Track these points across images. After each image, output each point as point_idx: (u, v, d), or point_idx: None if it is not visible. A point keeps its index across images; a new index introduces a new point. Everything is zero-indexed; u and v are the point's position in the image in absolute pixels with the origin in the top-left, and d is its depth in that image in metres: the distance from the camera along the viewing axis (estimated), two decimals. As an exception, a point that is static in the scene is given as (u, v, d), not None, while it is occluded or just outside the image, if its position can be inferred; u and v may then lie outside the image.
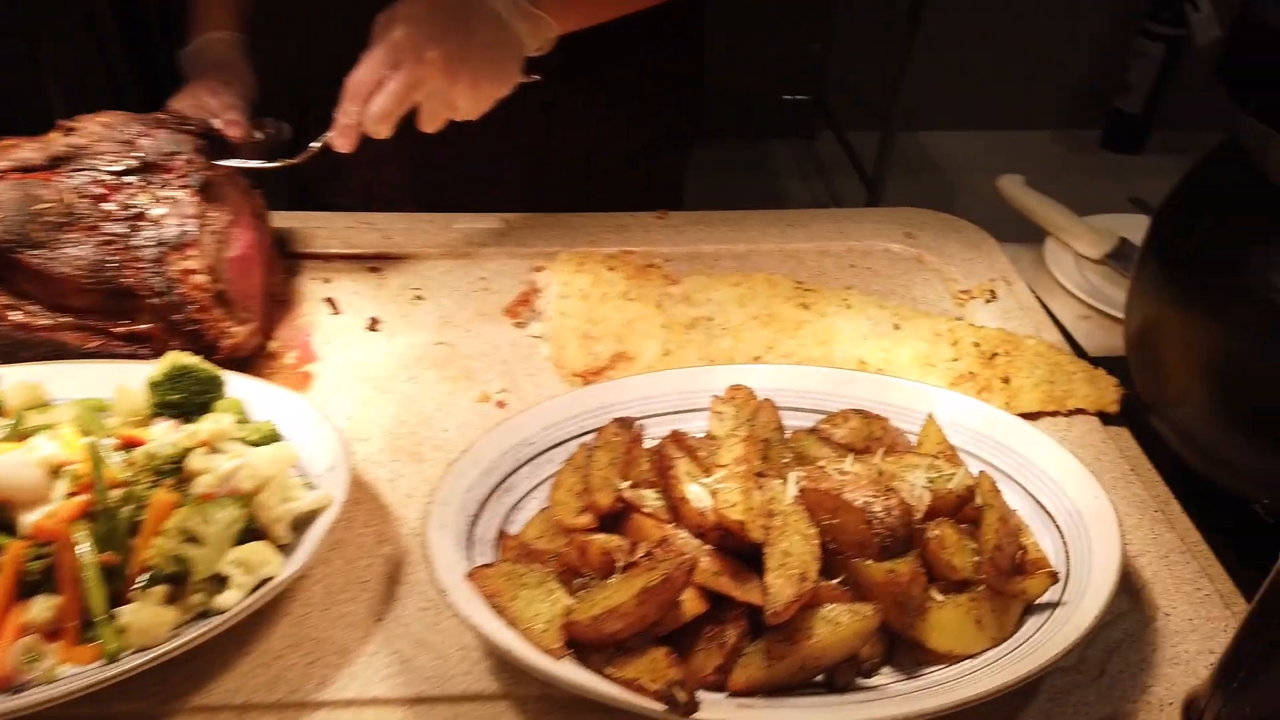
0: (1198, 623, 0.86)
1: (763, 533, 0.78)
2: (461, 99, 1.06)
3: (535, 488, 0.92)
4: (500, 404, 1.08)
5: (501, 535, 0.85)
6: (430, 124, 1.08)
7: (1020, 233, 1.51)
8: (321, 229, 1.33)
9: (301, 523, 0.85)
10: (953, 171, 4.08)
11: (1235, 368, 0.93)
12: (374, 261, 1.29)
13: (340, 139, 1.07)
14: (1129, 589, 0.89)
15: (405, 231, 1.34)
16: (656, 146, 1.51)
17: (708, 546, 0.79)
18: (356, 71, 1.04)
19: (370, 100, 1.04)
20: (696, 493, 0.81)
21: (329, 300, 1.21)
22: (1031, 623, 0.80)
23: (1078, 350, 1.24)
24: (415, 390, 1.09)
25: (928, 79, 4.05)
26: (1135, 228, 1.52)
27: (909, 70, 3.28)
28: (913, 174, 3.96)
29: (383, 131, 1.06)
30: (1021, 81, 4.20)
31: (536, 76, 1.12)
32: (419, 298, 1.23)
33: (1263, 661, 0.73)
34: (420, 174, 1.42)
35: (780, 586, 0.75)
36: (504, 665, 0.80)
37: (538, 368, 1.13)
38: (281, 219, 1.34)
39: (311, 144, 1.10)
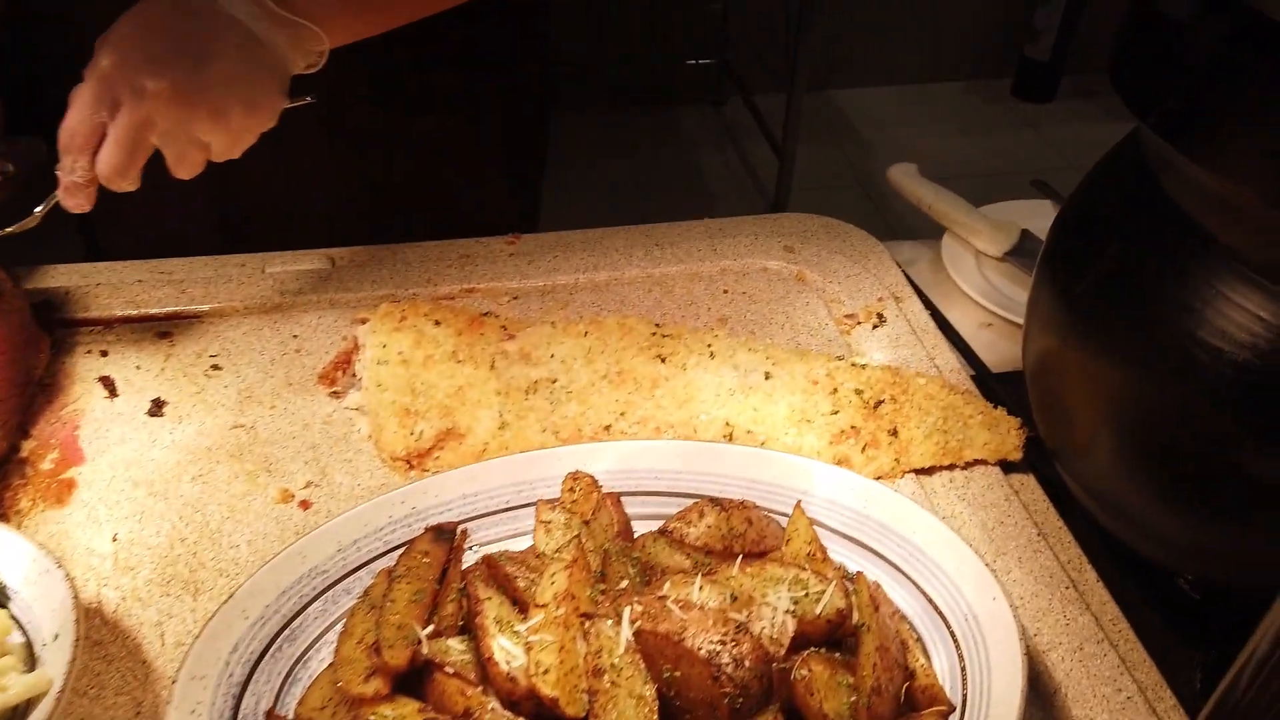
0: (1121, 741, 0.73)
1: (583, 706, 0.63)
2: (209, 135, 0.86)
3: (327, 630, 0.76)
4: (304, 504, 0.90)
5: (269, 715, 0.69)
6: (182, 169, 0.88)
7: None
8: (103, 285, 1.13)
9: (21, 713, 0.68)
10: (866, 129, 3.96)
11: (1143, 417, 0.80)
12: (164, 324, 1.09)
13: (70, 199, 0.86)
14: (1039, 695, 0.76)
15: (207, 282, 1.14)
16: (501, 158, 1.32)
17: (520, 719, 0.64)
18: (67, 116, 0.83)
19: (98, 151, 0.84)
20: (506, 650, 0.65)
21: (104, 380, 1.02)
22: (923, 768, 0.67)
23: (978, 368, 1.10)
24: (200, 494, 0.91)
25: (834, 35, 3.91)
26: (1038, 216, 1.40)
27: (813, 27, 3.13)
28: (825, 135, 3.82)
29: (125, 186, 0.86)
30: (930, 33, 4.10)
31: (308, 99, 0.92)
32: (216, 368, 1.04)
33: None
34: (222, 208, 1.22)
35: (606, 778, 0.60)
36: None
37: (355, 450, 0.96)
38: (54, 276, 1.13)
39: (36, 209, 0.90)
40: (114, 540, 0.86)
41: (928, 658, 0.73)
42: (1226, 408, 0.71)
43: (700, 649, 0.64)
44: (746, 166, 3.76)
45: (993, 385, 1.06)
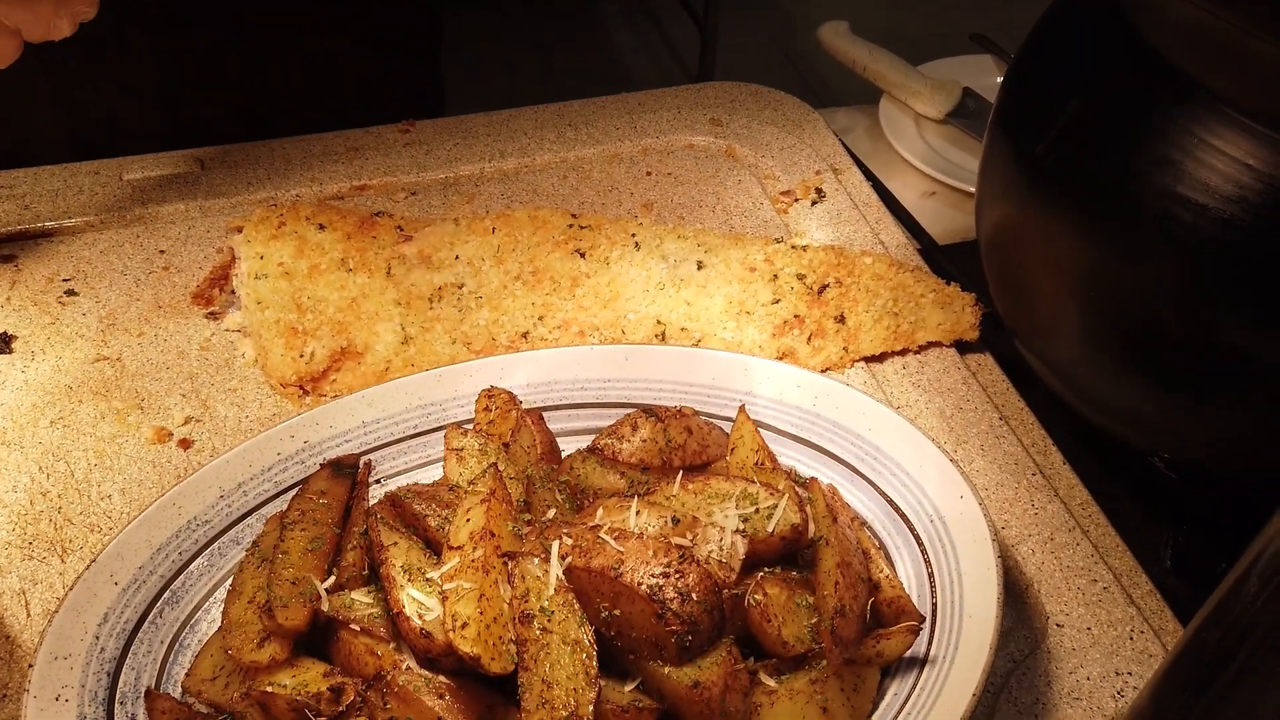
0: (1097, 632, 0.68)
1: (509, 659, 0.55)
2: (14, 18, 0.71)
3: (215, 588, 0.66)
4: (185, 443, 0.79)
5: (149, 696, 0.59)
6: None
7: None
8: (-70, 207, 0.97)
9: None
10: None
11: (1115, 287, 0.72)
12: (7, 246, 0.95)
13: None
14: (1012, 594, 0.70)
15: (54, 195, 0.99)
16: (394, 36, 1.17)
17: (442, 679, 0.56)
18: None
19: None
20: (418, 601, 0.57)
21: (-63, 316, 0.88)
22: (894, 690, 0.61)
23: (924, 241, 1.02)
24: (62, 439, 0.79)
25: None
26: (980, 73, 1.30)
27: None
28: (747, 1, 3.63)
29: None
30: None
31: None
32: (71, 293, 0.91)
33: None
34: (78, 114, 1.06)
35: (541, 739, 0.52)
36: None
37: (240, 378, 0.84)
38: None
39: None
40: (-39, 501, 0.75)
41: (892, 567, 0.66)
42: (1210, 271, 0.64)
43: (640, 584, 0.56)
44: (666, 43, 3.57)
45: (942, 260, 0.99)
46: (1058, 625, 0.69)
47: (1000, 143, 0.80)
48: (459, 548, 0.59)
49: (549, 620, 0.56)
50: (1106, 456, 0.83)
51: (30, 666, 0.57)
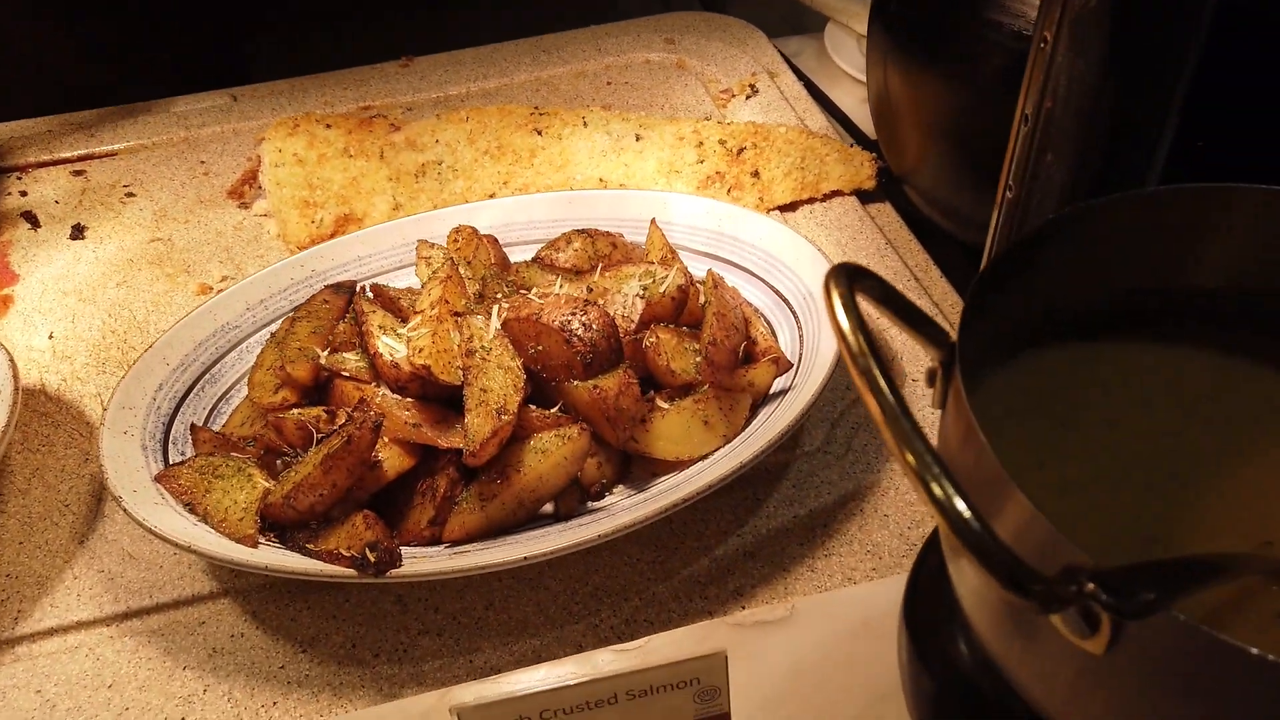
0: (944, 383, 0.84)
1: (457, 374, 0.72)
2: None
3: (245, 374, 0.85)
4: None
5: (194, 429, 0.78)
6: None
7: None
8: (14, 138, 1.18)
9: (-24, 457, 0.77)
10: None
11: (962, 121, 0.88)
12: (78, 164, 1.16)
13: None
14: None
15: (114, 126, 1.20)
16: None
17: (409, 399, 0.73)
18: None
19: None
20: (389, 345, 0.75)
21: (26, 215, 1.09)
22: (765, 413, 0.77)
23: (858, 137, 1.18)
24: (125, 296, 0.99)
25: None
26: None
27: None
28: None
29: None
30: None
31: None
32: (130, 195, 1.11)
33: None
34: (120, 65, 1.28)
35: (478, 425, 0.69)
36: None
37: (265, 248, 1.04)
38: (-33, 135, 1.19)
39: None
40: (50, 338, 0.95)
41: (774, 334, 0.83)
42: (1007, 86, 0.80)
43: (554, 322, 0.73)
44: None
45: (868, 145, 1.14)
46: (914, 380, 0.84)
47: (876, 19, 0.97)
48: (421, 312, 0.77)
49: (488, 354, 0.73)
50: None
51: (104, 410, 0.76)
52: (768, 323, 0.85)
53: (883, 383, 0.37)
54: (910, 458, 0.35)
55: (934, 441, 0.44)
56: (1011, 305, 0.48)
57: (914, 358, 0.87)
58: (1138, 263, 0.46)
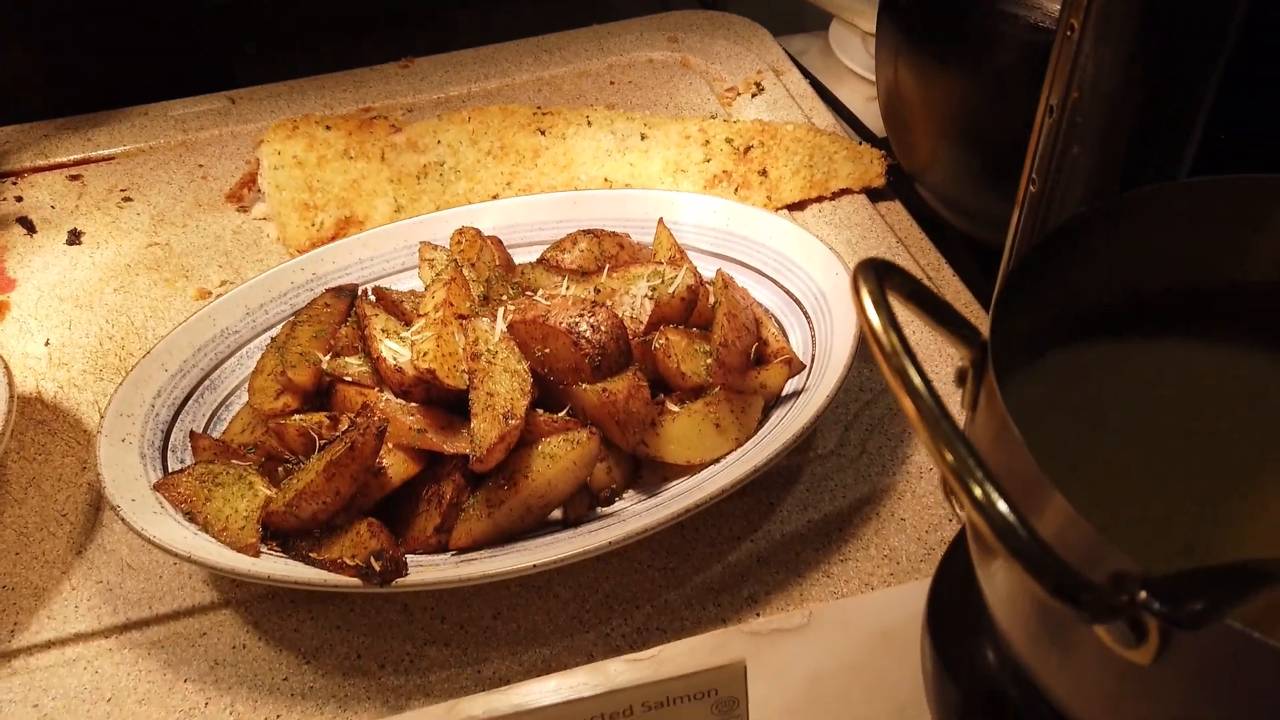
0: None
1: (463, 378, 0.71)
2: None
3: (245, 381, 0.83)
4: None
5: (193, 436, 0.76)
6: None
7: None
8: (9, 143, 1.17)
9: (-29, 467, 0.75)
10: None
11: (977, 116, 0.87)
12: (74, 169, 1.14)
13: None
14: (891, 363, 0.84)
15: (111, 131, 1.18)
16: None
17: (414, 404, 0.72)
18: None
19: None
20: (393, 349, 0.73)
21: (22, 220, 1.07)
22: (777, 416, 0.75)
23: (865, 135, 1.17)
24: (123, 301, 0.97)
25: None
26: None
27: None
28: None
29: None
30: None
31: None
32: (127, 199, 1.10)
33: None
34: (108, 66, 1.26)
35: (485, 430, 0.68)
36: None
37: (265, 252, 1.02)
38: (-37, 139, 1.17)
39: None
40: (46, 344, 0.93)
41: (785, 335, 0.81)
42: (1022, 79, 0.78)
43: (562, 324, 0.71)
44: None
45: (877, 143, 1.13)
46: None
47: (886, 15, 0.95)
48: (424, 315, 0.75)
49: (494, 357, 0.72)
50: (989, 268, 0.96)
51: (101, 418, 0.75)
52: (779, 324, 0.83)
53: (918, 382, 0.35)
54: (950, 457, 0.33)
55: (965, 443, 0.43)
56: (1040, 303, 0.46)
57: (927, 357, 0.85)
58: (1173, 258, 0.45)
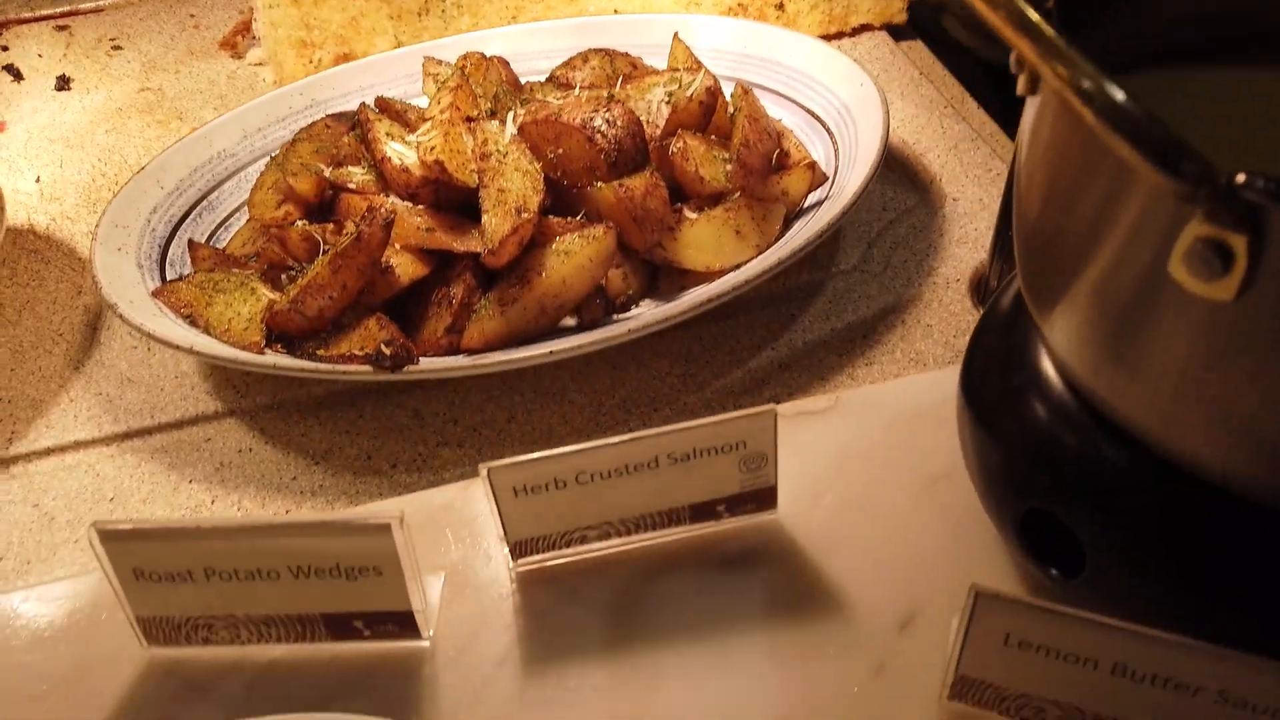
0: (988, 201, 0.79)
1: (473, 176, 0.67)
2: None
3: (243, 205, 0.80)
4: (217, 136, 0.93)
5: (192, 245, 0.73)
6: None
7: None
8: (-5, -5, 1.12)
9: (-39, 282, 0.72)
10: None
11: None
12: (61, 20, 1.10)
13: None
14: (916, 185, 0.81)
15: (99, -17, 1.14)
16: None
17: (421, 207, 0.69)
18: None
19: None
20: (398, 150, 0.70)
21: (8, 68, 1.03)
22: (799, 226, 0.72)
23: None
24: (116, 141, 0.94)
25: None
26: None
27: None
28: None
29: None
30: None
31: None
32: (117, 48, 1.05)
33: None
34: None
35: (497, 224, 0.65)
36: (228, 382, 0.70)
37: (260, 95, 0.98)
38: (-55, -8, 1.13)
39: None
40: (37, 181, 0.90)
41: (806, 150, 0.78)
42: None
43: (575, 120, 0.68)
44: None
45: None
46: (954, 200, 0.80)
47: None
48: (430, 119, 0.72)
49: (504, 158, 0.68)
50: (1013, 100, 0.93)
51: (96, 228, 0.72)
52: (799, 142, 0.80)
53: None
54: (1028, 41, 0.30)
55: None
56: (1092, 36, 0.43)
57: (953, 179, 0.82)
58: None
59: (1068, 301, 0.40)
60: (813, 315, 0.72)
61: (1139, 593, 0.42)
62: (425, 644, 0.50)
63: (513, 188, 0.66)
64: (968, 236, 0.76)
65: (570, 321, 0.69)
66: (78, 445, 0.67)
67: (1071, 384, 0.44)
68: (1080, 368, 0.42)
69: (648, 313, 0.66)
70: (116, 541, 0.45)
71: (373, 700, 0.47)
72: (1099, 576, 0.43)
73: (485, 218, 0.66)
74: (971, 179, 0.81)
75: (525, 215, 0.65)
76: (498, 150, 0.69)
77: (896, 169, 0.83)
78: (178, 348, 0.62)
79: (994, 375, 0.51)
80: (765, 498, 0.53)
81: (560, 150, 0.69)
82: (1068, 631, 0.40)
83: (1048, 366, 0.47)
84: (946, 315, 0.71)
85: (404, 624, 0.48)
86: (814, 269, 0.75)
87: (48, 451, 0.67)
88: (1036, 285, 0.43)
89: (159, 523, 0.46)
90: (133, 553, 0.45)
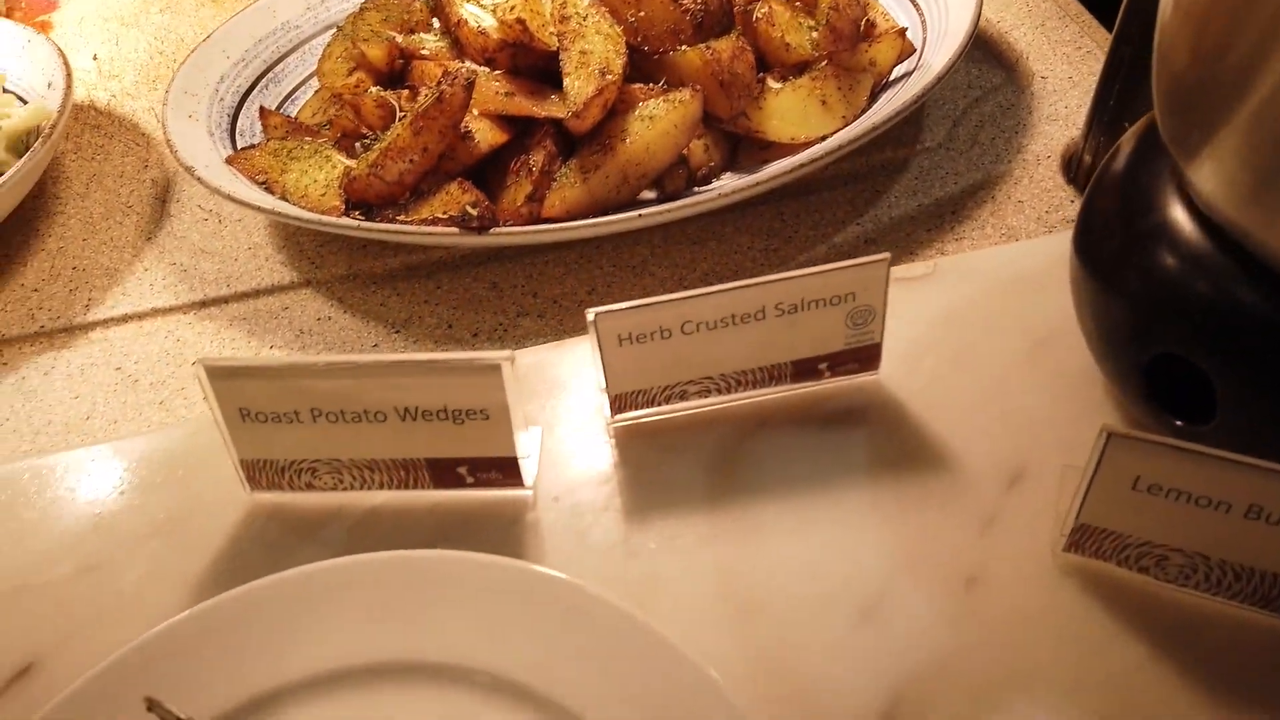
0: (1077, 79, 0.76)
1: (554, 39, 0.65)
2: None
3: (310, 77, 0.78)
4: (275, 15, 0.91)
5: (263, 113, 0.72)
6: None
7: None
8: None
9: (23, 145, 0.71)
10: None
11: None
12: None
13: None
14: (1003, 63, 0.79)
15: None
16: None
17: (498, 72, 0.67)
18: None
19: None
20: (474, 12, 0.67)
21: (57, -54, 1.01)
22: (885, 98, 0.70)
23: None
24: (171, 21, 0.92)
25: None
26: None
27: None
28: None
29: None
30: None
31: None
32: (168, -71, 1.03)
33: (1129, 80, 0.63)
34: None
35: (580, 86, 0.63)
36: (302, 254, 0.69)
37: (318, -26, 0.96)
38: None
39: None
40: (95, 59, 0.88)
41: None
42: None
43: (660, -20, 0.66)
44: None
45: None
46: (1042, 78, 0.77)
47: None
48: (508, -16, 0.69)
49: (585, 21, 0.66)
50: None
51: (166, 93, 0.70)
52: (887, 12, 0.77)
53: None
54: None
55: None
56: None
57: (1041, 57, 0.79)
58: None
59: (1226, 131, 0.38)
60: (898, 191, 0.70)
61: (1273, 438, 0.41)
62: (528, 492, 0.49)
63: (595, 49, 0.64)
64: (1058, 114, 0.74)
65: (649, 195, 0.67)
66: (155, 312, 0.67)
67: (1213, 227, 0.42)
68: (1229, 205, 0.40)
69: (732, 182, 0.64)
70: (224, 379, 0.44)
71: (477, 545, 0.47)
72: (1231, 423, 0.42)
73: (568, 80, 0.64)
74: (1060, 56, 0.78)
75: (610, 77, 0.63)
76: (578, 13, 0.66)
77: (980, 46, 0.80)
78: (260, 209, 0.61)
79: (1116, 225, 0.49)
80: (869, 356, 0.51)
81: (642, 13, 0.67)
82: (1202, 472, 0.39)
83: (1178, 214, 0.45)
84: (1039, 191, 0.69)
85: (508, 471, 0.47)
86: (898, 145, 0.72)
87: (125, 318, 0.67)
88: (1184, 121, 0.41)
89: (267, 360, 0.46)
90: (240, 391, 0.45)
